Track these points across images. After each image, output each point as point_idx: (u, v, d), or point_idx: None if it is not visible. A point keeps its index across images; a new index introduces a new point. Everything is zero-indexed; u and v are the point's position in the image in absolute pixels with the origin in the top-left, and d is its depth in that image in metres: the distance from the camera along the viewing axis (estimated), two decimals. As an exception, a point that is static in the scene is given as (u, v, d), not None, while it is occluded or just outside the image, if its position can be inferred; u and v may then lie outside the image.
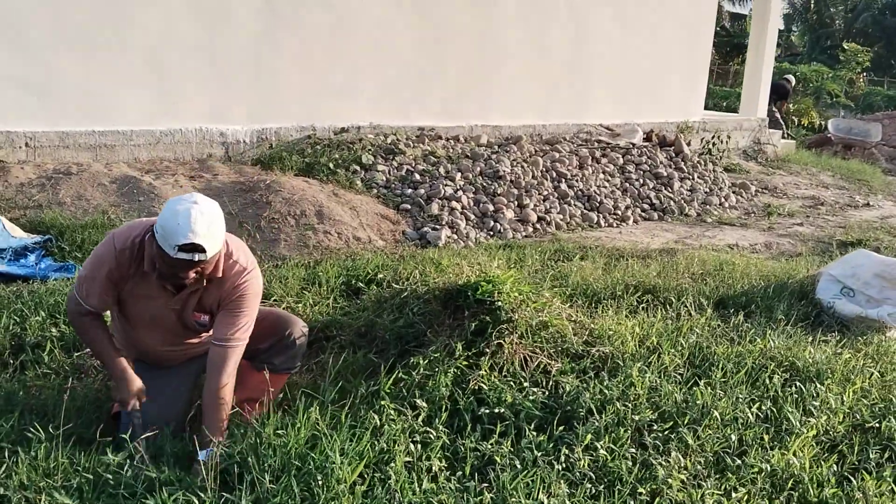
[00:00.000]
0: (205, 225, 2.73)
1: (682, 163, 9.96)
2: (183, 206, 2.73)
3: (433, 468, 2.83)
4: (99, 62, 6.81)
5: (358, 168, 7.74)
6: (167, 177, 6.76)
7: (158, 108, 7.25)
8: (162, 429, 2.95)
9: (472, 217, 7.25)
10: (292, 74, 8.06)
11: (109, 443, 2.84)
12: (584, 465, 2.87)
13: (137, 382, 2.98)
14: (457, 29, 9.27)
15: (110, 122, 6.98)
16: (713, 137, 12.15)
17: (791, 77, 18.40)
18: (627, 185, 8.94)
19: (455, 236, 6.87)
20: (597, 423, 3.10)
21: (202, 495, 2.49)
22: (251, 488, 2.52)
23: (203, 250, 2.73)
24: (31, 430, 2.78)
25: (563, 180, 8.36)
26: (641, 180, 9.15)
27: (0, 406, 3.11)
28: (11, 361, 3.76)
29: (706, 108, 16.46)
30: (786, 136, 15.99)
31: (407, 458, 2.83)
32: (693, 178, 9.69)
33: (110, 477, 2.58)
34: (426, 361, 3.39)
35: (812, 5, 38.07)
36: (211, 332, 3.10)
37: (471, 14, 9.37)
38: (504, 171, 7.95)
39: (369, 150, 8.06)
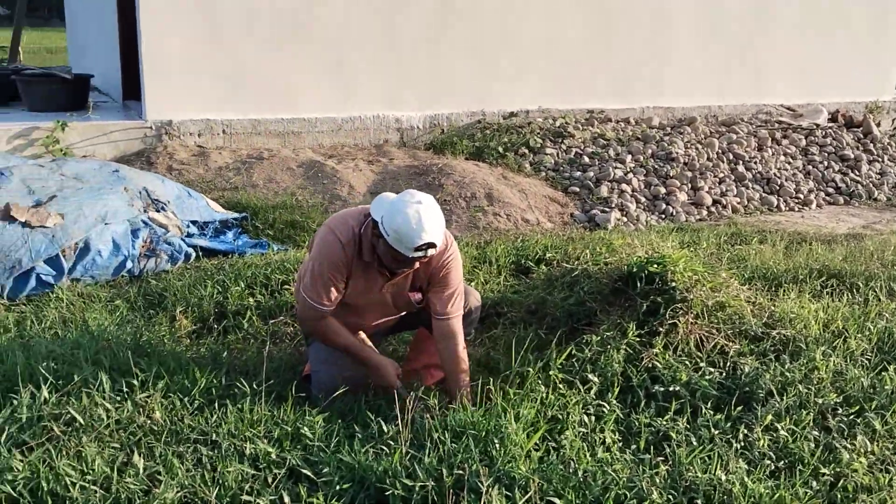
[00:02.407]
0: (434, 223, 2.91)
1: (871, 144, 9.31)
2: (413, 210, 2.88)
3: (606, 440, 2.88)
4: (286, 54, 7.28)
5: (526, 151, 7.82)
6: (348, 161, 7.12)
7: (339, 96, 7.64)
8: (357, 391, 3.18)
9: (643, 200, 7.15)
10: (463, 61, 8.24)
11: (304, 400, 3.10)
12: (763, 445, 2.82)
13: (394, 364, 3.17)
14: (628, 8, 9.11)
15: (296, 110, 7.44)
16: (907, 117, 11.26)
17: None
18: (810, 167, 8.49)
19: (625, 219, 6.81)
20: (777, 405, 3.04)
21: (389, 449, 2.67)
22: (435, 448, 2.67)
23: (435, 246, 2.94)
24: (238, 385, 3.07)
25: (741, 162, 8.06)
26: (826, 163, 8.65)
27: (208, 364, 3.43)
28: (216, 326, 4.15)
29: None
30: None
31: (580, 430, 2.90)
32: (883, 161, 9.05)
33: (307, 430, 2.82)
34: (598, 338, 3.44)
35: None
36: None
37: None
38: (677, 153, 7.77)
39: (538, 133, 8.12)
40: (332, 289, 3.07)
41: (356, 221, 3.08)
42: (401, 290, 3.25)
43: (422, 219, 2.87)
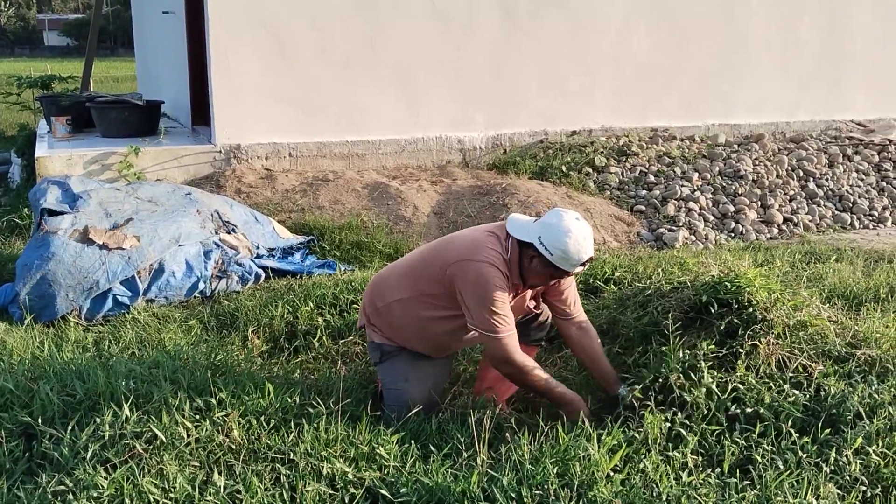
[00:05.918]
0: (591, 237, 3.04)
1: (950, 159, 8.99)
2: (576, 227, 3.00)
3: (688, 463, 2.80)
4: (354, 77, 7.37)
5: (590, 170, 7.75)
6: (412, 182, 7.16)
7: (404, 118, 7.70)
8: (436, 408, 3.24)
9: (711, 218, 7.02)
10: (527, 81, 8.23)
11: (378, 419, 3.09)
12: (854, 470, 2.71)
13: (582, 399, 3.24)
14: (698, 26, 8.97)
15: (361, 132, 7.52)
16: None
17: None
18: (884, 184, 8.22)
19: (693, 237, 6.68)
20: (867, 428, 2.91)
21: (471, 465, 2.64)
22: (514, 469, 2.63)
23: (594, 259, 2.97)
24: (312, 405, 3.08)
25: (812, 179, 7.86)
26: (901, 178, 8.38)
27: (282, 383, 3.46)
28: (287, 346, 4.18)
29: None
30: None
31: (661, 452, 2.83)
32: (963, 176, 8.72)
33: (382, 450, 2.80)
34: (675, 360, 3.35)
35: None
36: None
37: (714, 9, 9.04)
38: (745, 171, 7.61)
39: (601, 152, 8.04)
40: (510, 310, 3.09)
41: (500, 247, 3.10)
42: (521, 304, 3.29)
43: (586, 235, 3.00)
